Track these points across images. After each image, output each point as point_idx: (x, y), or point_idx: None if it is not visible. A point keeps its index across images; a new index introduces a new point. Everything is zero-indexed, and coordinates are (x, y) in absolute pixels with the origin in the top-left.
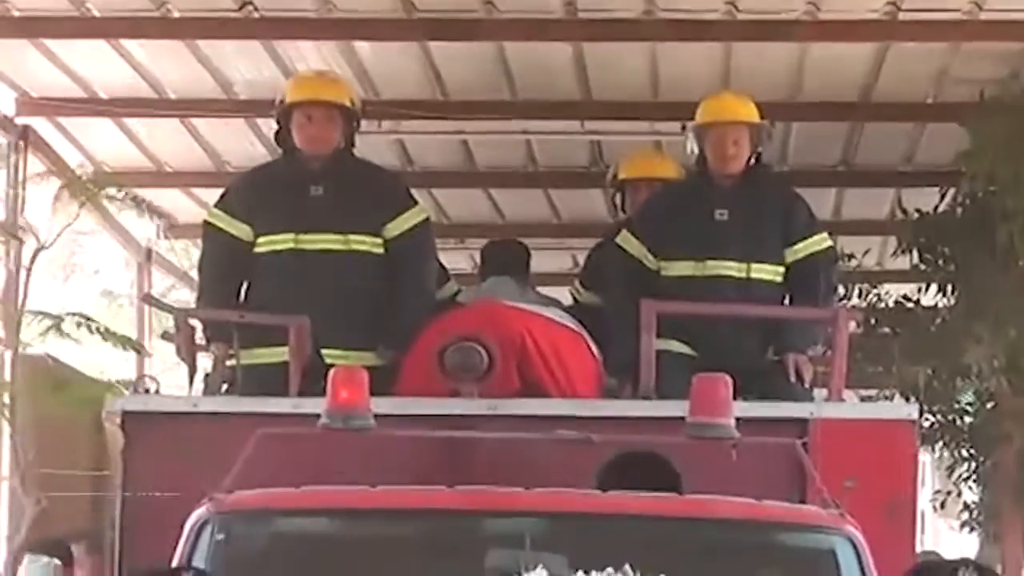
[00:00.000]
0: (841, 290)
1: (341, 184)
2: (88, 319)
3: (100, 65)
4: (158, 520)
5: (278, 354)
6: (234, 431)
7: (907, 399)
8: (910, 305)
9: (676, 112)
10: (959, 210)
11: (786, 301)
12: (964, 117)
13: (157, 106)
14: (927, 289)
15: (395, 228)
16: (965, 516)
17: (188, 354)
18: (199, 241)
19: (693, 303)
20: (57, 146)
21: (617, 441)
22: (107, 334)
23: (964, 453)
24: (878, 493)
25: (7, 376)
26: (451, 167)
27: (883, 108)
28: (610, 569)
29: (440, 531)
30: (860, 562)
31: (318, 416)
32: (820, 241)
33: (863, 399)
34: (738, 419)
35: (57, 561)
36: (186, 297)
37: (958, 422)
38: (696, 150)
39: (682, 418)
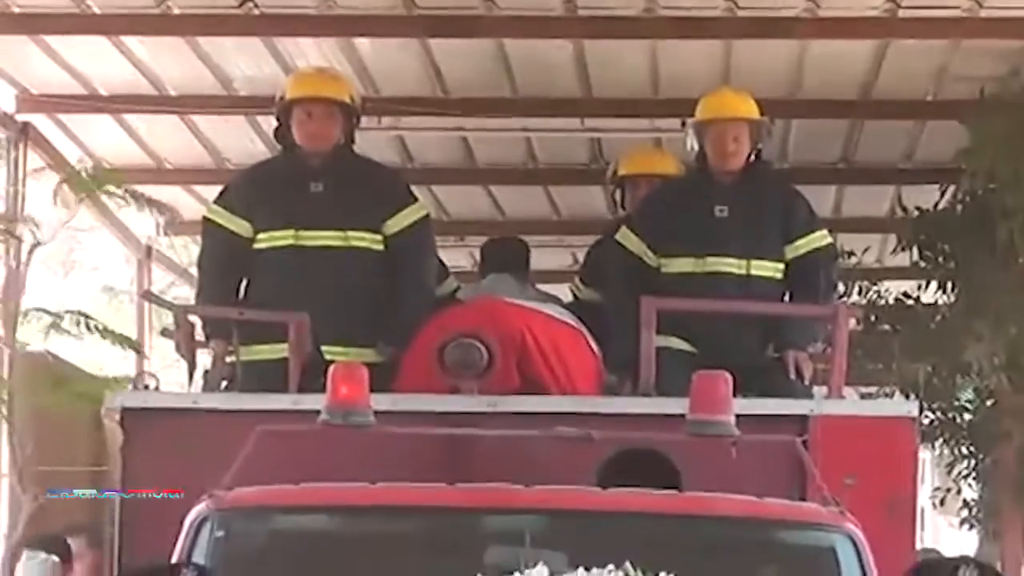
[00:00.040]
0: (841, 287)
1: (341, 181)
2: (86, 316)
3: (100, 62)
4: (157, 516)
5: (278, 350)
6: (233, 428)
7: (907, 396)
8: (910, 302)
9: (676, 109)
10: (959, 207)
11: (786, 298)
12: (964, 114)
13: (157, 103)
14: (927, 286)
15: (395, 225)
16: (965, 513)
17: (188, 351)
18: (199, 238)
19: (693, 300)
20: (57, 143)
21: (617, 438)
22: (105, 332)
23: (964, 450)
24: (878, 490)
25: (5, 374)
26: (451, 164)
27: (883, 105)
28: (610, 566)
29: (440, 528)
30: (860, 559)
31: (318, 413)
32: (820, 238)
33: (863, 396)
34: (738, 416)
35: (55, 558)
36: (186, 294)
37: (958, 419)
38: (696, 147)
39: (682, 415)
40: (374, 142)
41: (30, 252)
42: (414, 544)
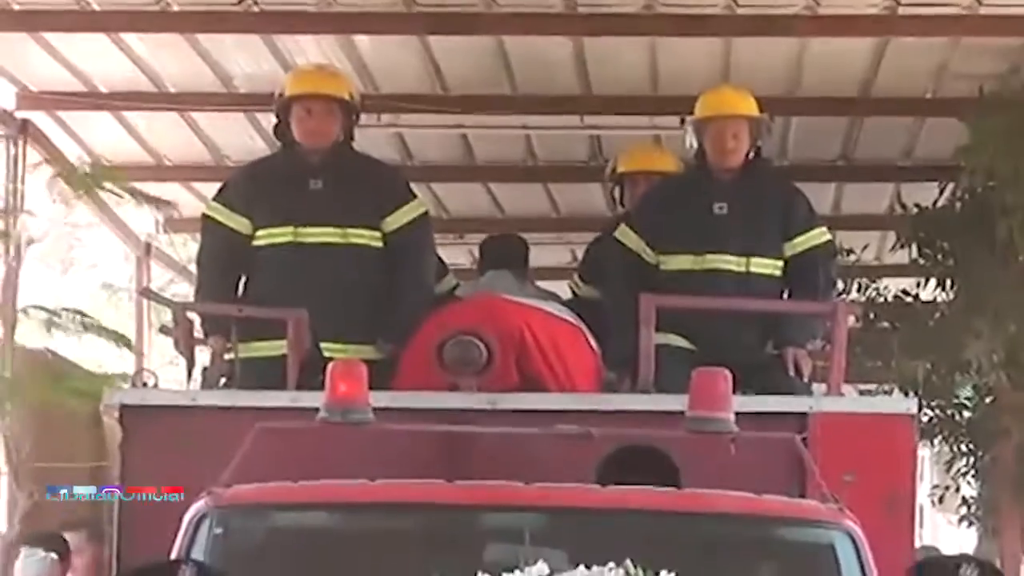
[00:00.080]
0: (840, 284)
1: (340, 178)
2: (83, 314)
3: (100, 59)
4: (156, 513)
5: (276, 347)
6: (232, 425)
7: (906, 393)
8: (909, 300)
9: (675, 106)
10: (958, 205)
11: (785, 295)
12: (963, 112)
13: (156, 100)
14: (926, 284)
15: (394, 222)
16: (963, 511)
17: (186, 348)
18: (198, 235)
19: (692, 297)
20: (57, 140)
21: (616, 435)
22: (100, 329)
23: (963, 448)
24: (877, 487)
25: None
26: (450, 161)
27: (882, 103)
28: (610, 563)
29: (439, 526)
30: (859, 556)
31: (317, 410)
32: (819, 235)
33: (862, 393)
34: (737, 413)
35: (54, 555)
36: (185, 291)
37: (957, 417)
38: (695, 144)
39: (681, 412)
40: (373, 139)
41: (24, 246)
42: (413, 542)
